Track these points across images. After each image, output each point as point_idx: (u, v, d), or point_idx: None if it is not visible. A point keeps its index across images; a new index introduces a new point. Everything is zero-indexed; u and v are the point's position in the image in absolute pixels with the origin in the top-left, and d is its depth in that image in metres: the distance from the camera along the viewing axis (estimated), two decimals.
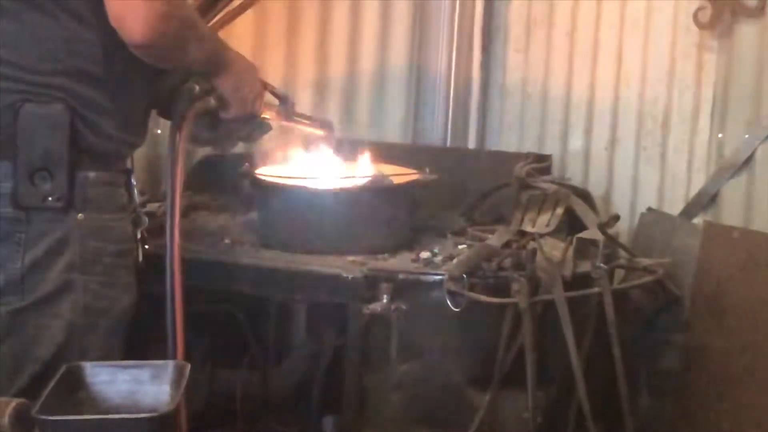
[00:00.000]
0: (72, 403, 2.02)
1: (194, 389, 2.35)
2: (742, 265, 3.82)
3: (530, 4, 4.60)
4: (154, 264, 2.67)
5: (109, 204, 2.57)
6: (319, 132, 3.38)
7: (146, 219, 2.81)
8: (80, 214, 2.49)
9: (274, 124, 3.12)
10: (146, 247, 2.81)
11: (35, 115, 2.42)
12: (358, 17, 4.59)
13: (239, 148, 3.34)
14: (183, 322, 2.58)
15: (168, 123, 2.72)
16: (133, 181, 2.74)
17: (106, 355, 2.48)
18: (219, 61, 2.68)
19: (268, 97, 3.01)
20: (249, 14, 4.22)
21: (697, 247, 3.96)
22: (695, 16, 4.20)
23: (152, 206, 3.49)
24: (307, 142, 3.44)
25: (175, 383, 2.08)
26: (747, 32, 4.13)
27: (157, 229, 2.81)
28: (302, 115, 3.31)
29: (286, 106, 3.12)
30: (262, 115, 2.95)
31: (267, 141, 3.33)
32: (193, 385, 2.16)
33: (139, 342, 2.67)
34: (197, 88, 2.68)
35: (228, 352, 3.37)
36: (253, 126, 2.94)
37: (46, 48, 2.45)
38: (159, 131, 4.04)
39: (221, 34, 4.04)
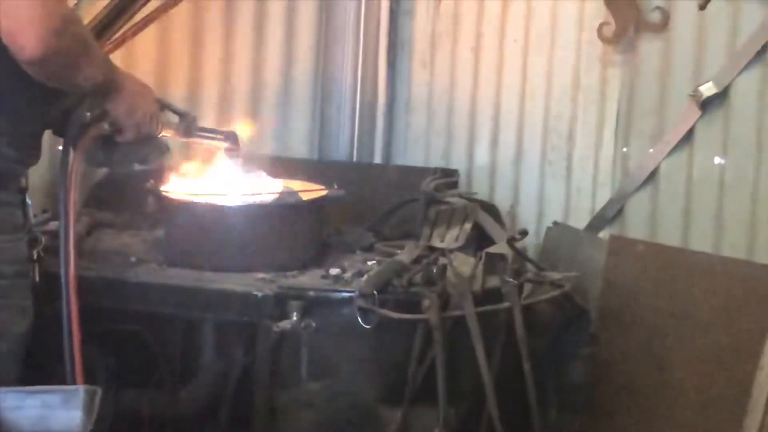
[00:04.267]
0: None
1: (100, 410, 2.29)
2: (647, 278, 3.85)
3: (435, 19, 4.61)
4: (53, 285, 2.61)
5: (5, 225, 2.51)
6: (223, 145, 3.34)
7: (42, 239, 2.73)
8: None
9: (177, 140, 3.09)
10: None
11: None
12: (262, 32, 4.55)
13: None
14: (80, 343, 2.52)
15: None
16: (29, 201, 2.66)
17: (2, 380, 2.40)
18: (111, 84, 2.60)
19: (168, 115, 2.97)
20: (152, 29, 4.17)
21: (602, 261, 4.00)
22: (599, 30, 4.24)
23: (54, 224, 3.42)
24: (212, 156, 3.39)
25: (87, 408, 2.03)
26: (650, 47, 4.19)
27: (58, 249, 2.74)
28: (204, 130, 3.26)
29: (186, 122, 3.07)
30: (161, 135, 2.90)
31: (172, 157, 3.27)
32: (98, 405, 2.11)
33: (40, 364, 2.61)
34: (88, 114, 2.63)
35: (135, 372, 3.31)
36: (150, 148, 2.89)
37: None
38: (60, 148, 3.96)
39: (124, 49, 4.01)
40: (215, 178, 3.38)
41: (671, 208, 4.13)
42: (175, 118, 3.04)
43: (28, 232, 2.64)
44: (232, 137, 3.34)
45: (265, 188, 3.38)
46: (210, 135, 3.28)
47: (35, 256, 2.67)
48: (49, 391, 2.08)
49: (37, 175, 2.78)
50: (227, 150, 3.33)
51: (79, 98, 2.64)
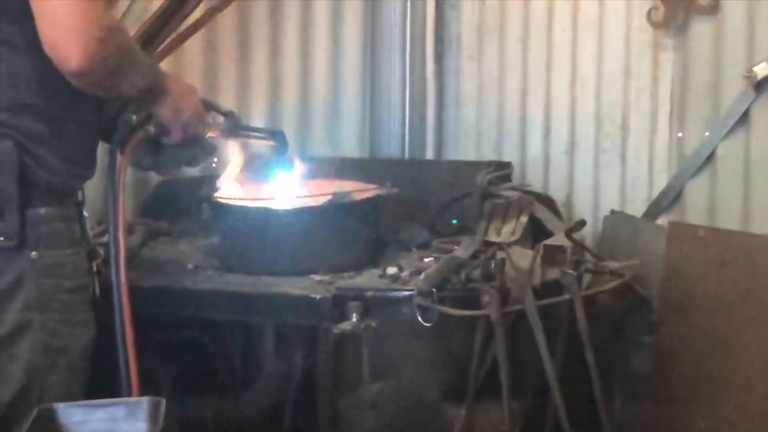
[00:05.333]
0: None
1: (164, 419, 2.29)
2: (709, 264, 3.80)
3: (481, 11, 4.59)
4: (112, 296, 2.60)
5: (63, 240, 2.49)
6: (271, 143, 3.32)
7: (101, 252, 2.72)
8: (34, 252, 2.41)
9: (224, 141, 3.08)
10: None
11: None
12: (309, 31, 4.55)
13: (195, 171, 3.30)
14: (135, 352, 2.52)
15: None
16: (86, 214, 2.65)
17: (67, 394, 2.40)
18: (156, 87, 2.57)
19: (214, 115, 2.95)
20: (199, 36, 4.18)
21: (662, 248, 3.94)
22: (648, 15, 4.19)
23: None
24: (261, 156, 3.38)
25: (152, 419, 2.03)
26: (701, 30, 4.13)
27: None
28: (251, 128, 3.24)
29: (232, 122, 3.04)
30: (207, 136, 2.88)
31: (221, 162, 3.26)
32: None
33: (104, 376, 2.61)
34: (134, 118, 2.62)
35: (197, 379, 3.31)
36: (197, 149, 2.87)
37: None
38: None
39: (172, 57, 4.01)
40: (268, 182, 3.37)
41: (730, 192, 4.07)
42: (220, 119, 3.02)
43: (87, 245, 2.63)
44: (279, 136, 3.32)
45: (318, 190, 3.37)
46: (256, 134, 3.26)
47: (95, 269, 2.67)
48: (114, 404, 2.09)
49: (92, 185, 2.76)
50: (275, 148, 3.31)
51: (124, 102, 2.64)
